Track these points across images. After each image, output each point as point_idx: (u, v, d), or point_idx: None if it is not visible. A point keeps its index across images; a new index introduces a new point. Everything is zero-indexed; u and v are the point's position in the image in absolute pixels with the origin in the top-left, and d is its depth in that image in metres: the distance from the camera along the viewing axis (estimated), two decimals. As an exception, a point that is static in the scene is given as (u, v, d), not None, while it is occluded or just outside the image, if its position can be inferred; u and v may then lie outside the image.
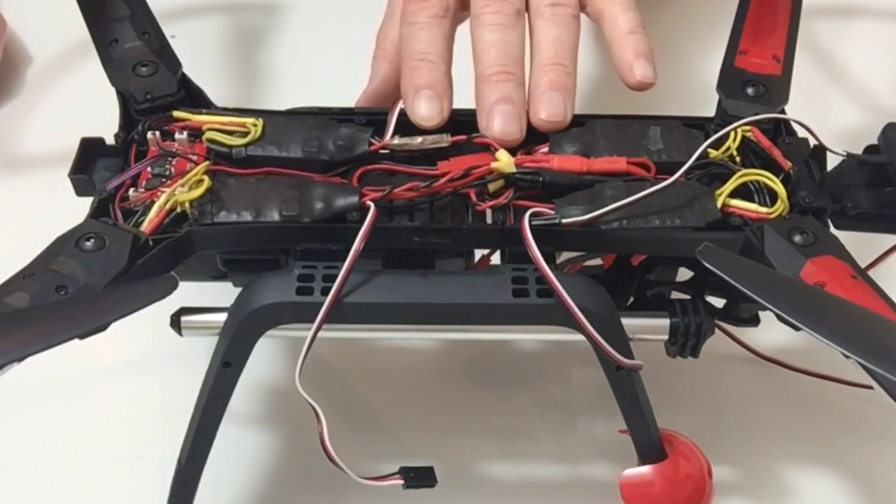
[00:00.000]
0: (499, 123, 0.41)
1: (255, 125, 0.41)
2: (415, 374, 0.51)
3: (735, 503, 0.46)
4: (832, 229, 0.40)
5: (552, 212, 0.39)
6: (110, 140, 0.42)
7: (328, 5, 0.67)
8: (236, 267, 0.43)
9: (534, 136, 0.42)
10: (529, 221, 0.38)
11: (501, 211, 0.40)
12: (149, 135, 0.41)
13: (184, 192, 0.39)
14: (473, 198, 0.40)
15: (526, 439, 0.48)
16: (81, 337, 0.33)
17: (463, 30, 0.44)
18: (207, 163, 0.40)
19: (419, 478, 0.39)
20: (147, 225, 0.38)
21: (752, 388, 0.50)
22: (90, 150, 0.42)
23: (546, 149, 0.41)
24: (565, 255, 0.43)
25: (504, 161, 0.40)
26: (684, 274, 0.45)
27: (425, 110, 0.41)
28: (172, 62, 0.44)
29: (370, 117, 0.42)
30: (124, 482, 0.46)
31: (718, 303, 0.44)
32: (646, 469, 0.41)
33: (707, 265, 0.35)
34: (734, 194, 0.40)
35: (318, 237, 0.39)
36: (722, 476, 0.45)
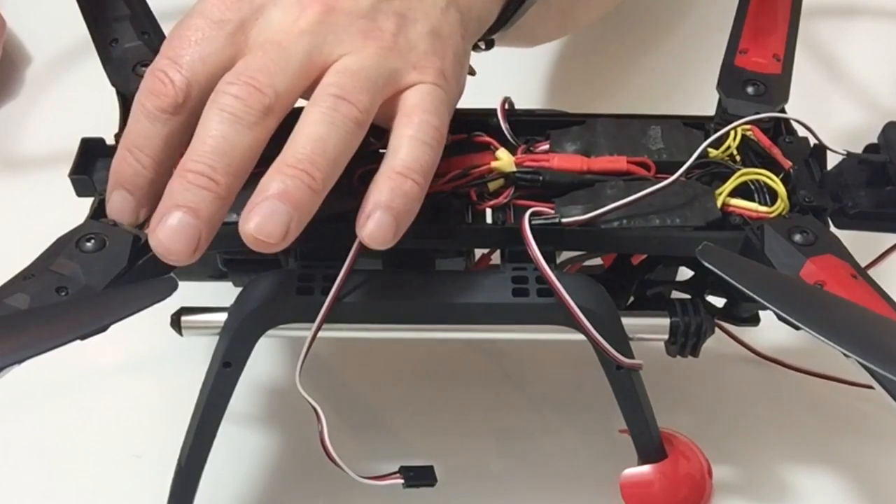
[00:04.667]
0: (165, 235, 0.32)
1: (254, 125, 0.41)
2: (415, 374, 0.51)
3: (735, 503, 0.46)
4: (832, 228, 0.40)
5: (552, 211, 0.39)
6: (110, 140, 0.42)
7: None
8: (236, 267, 0.43)
9: (532, 132, 0.42)
10: (529, 221, 0.38)
11: (501, 210, 0.40)
12: (149, 135, 0.41)
13: (183, 191, 0.39)
14: (473, 197, 0.40)
15: (526, 439, 0.48)
16: (82, 338, 0.33)
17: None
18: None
19: (419, 477, 0.39)
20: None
21: (752, 388, 0.50)
22: (90, 151, 0.42)
23: (546, 147, 0.41)
24: (565, 255, 0.43)
25: (504, 160, 0.40)
26: (684, 273, 0.45)
27: (118, 207, 0.36)
28: (172, 62, 0.44)
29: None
30: (124, 482, 0.46)
31: (718, 302, 0.44)
32: (646, 468, 0.41)
33: (707, 264, 0.35)
34: (734, 193, 0.40)
35: (318, 237, 0.39)
36: (722, 476, 0.45)
